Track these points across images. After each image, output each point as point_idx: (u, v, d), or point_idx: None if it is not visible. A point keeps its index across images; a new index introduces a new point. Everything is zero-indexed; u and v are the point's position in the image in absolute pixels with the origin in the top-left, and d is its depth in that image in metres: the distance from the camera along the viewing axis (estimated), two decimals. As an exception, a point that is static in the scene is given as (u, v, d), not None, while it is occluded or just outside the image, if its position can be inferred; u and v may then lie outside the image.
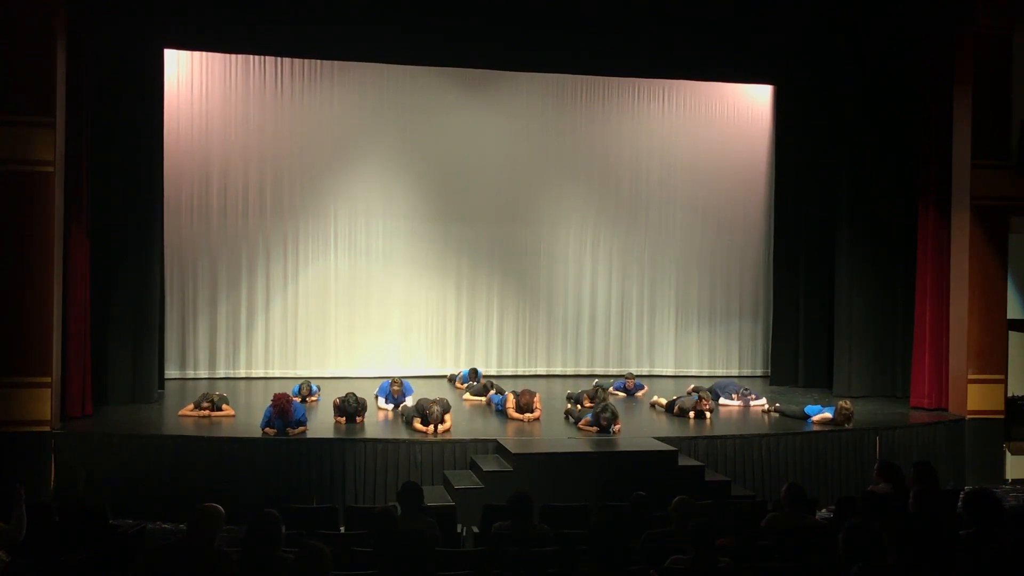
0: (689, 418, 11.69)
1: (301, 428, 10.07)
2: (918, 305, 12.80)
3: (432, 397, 10.74)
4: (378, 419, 11.31)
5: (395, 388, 11.99)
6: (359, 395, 10.93)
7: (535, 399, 11.44)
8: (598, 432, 10.56)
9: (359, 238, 15.52)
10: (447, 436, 10.06)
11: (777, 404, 12.27)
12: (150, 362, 12.37)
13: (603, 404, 10.94)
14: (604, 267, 16.45)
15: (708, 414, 11.70)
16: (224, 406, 11.20)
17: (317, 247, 15.39)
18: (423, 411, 10.33)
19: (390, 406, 11.86)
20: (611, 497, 8.04)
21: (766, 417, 12.01)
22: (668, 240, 16.50)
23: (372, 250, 15.56)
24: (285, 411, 9.98)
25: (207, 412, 11.01)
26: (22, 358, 10.18)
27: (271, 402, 10.10)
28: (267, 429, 10.00)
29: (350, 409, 10.71)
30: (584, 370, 15.91)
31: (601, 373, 15.72)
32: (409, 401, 11.74)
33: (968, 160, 12.06)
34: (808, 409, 11.60)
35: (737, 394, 12.89)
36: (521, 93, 15.81)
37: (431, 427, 10.13)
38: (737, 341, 16.67)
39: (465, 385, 13.72)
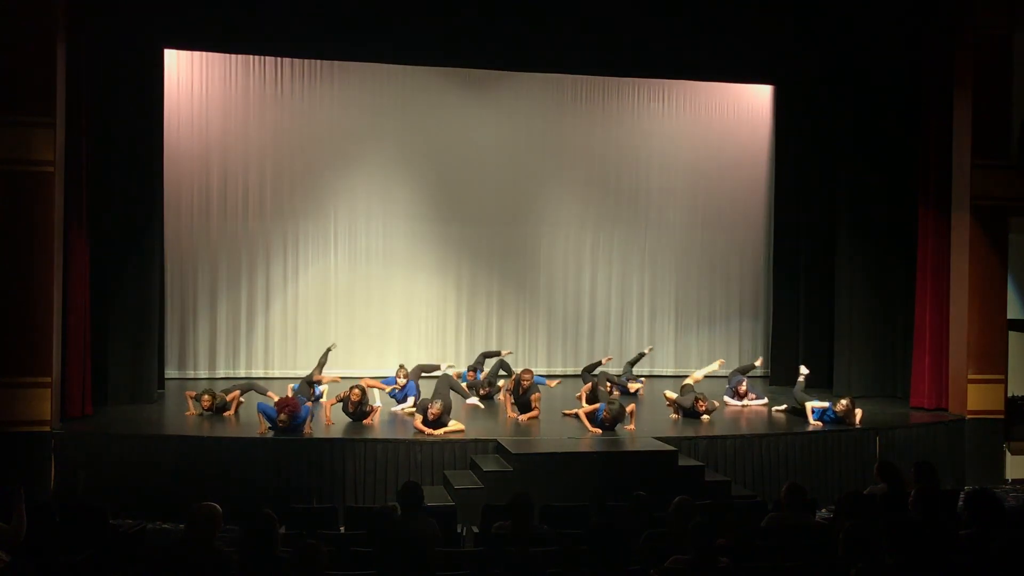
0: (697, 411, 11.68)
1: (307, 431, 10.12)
2: (918, 305, 12.80)
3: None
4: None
5: (401, 372, 12.03)
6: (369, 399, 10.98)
7: (536, 392, 11.50)
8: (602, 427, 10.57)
9: (359, 238, 15.52)
10: (458, 436, 10.06)
11: (785, 405, 12.20)
12: (150, 362, 12.37)
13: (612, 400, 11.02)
14: (604, 267, 16.45)
15: (706, 416, 11.64)
16: (232, 404, 11.30)
17: (317, 247, 15.39)
18: (424, 410, 10.35)
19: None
20: (611, 497, 8.04)
21: (770, 414, 11.99)
22: (668, 240, 16.50)
23: (372, 250, 15.56)
24: (294, 410, 10.01)
25: (209, 404, 11.11)
26: (22, 358, 10.16)
27: (277, 407, 10.12)
28: (260, 415, 10.04)
29: (357, 412, 10.76)
30: (584, 370, 15.92)
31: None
32: (410, 401, 11.74)
33: (968, 160, 12.05)
34: (815, 413, 11.48)
35: (732, 389, 12.91)
36: (521, 93, 15.80)
37: (424, 422, 10.17)
38: (737, 341, 16.67)
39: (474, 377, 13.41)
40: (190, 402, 11.34)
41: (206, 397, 11.21)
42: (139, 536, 7.19)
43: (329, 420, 10.58)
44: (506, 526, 6.41)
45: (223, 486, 9.13)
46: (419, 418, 10.34)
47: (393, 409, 11.66)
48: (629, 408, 10.81)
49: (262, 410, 10.15)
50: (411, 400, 11.76)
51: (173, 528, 8.82)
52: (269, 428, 10.06)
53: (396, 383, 12.04)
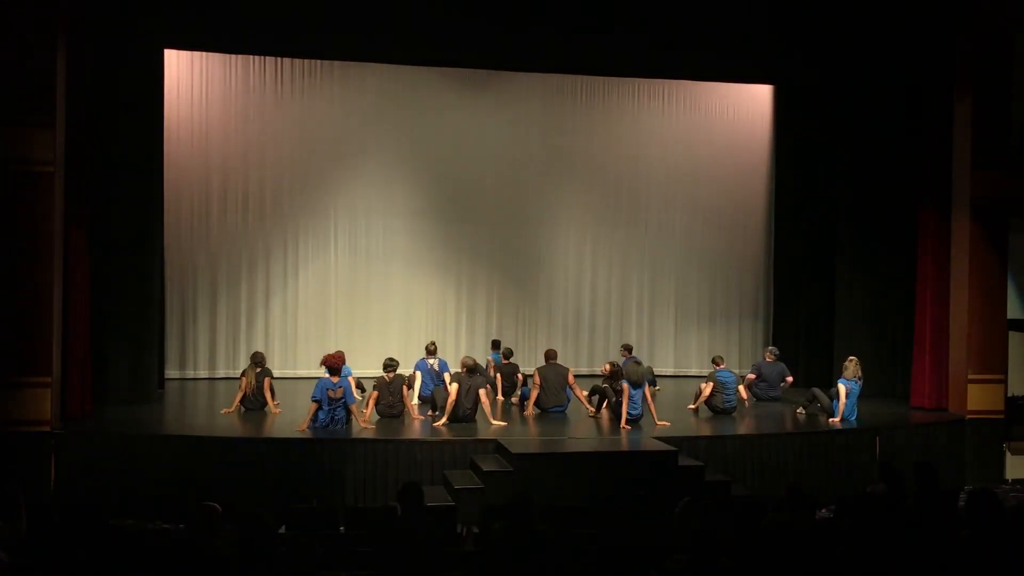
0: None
1: (339, 391, 10.30)
2: (918, 305, 12.79)
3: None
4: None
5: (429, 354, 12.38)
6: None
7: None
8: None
9: (359, 238, 15.53)
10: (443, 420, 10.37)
11: (801, 409, 12.16)
12: (150, 362, 12.37)
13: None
14: (604, 267, 16.46)
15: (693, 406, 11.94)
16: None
17: (317, 246, 15.40)
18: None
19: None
20: (611, 497, 8.03)
21: (794, 414, 12.00)
22: (668, 240, 16.51)
23: (372, 250, 15.57)
24: (336, 366, 10.34)
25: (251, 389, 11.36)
26: (22, 358, 10.15)
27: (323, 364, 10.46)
28: (313, 404, 10.22)
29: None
30: (584, 370, 15.87)
31: (601, 373, 15.69)
32: (418, 381, 12.04)
33: (968, 160, 12.04)
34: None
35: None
36: (521, 93, 15.81)
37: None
38: (737, 341, 16.67)
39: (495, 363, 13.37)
40: (237, 395, 11.44)
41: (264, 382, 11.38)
42: (139, 536, 7.19)
43: (366, 420, 10.61)
44: (506, 526, 6.40)
45: (223, 486, 9.12)
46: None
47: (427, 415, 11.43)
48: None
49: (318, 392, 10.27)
50: (418, 381, 12.01)
51: (173, 528, 8.82)
52: (312, 421, 10.22)
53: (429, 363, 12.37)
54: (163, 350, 13.41)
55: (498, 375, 12.76)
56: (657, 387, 13.93)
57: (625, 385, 10.90)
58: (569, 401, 11.85)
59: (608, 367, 11.80)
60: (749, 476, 10.27)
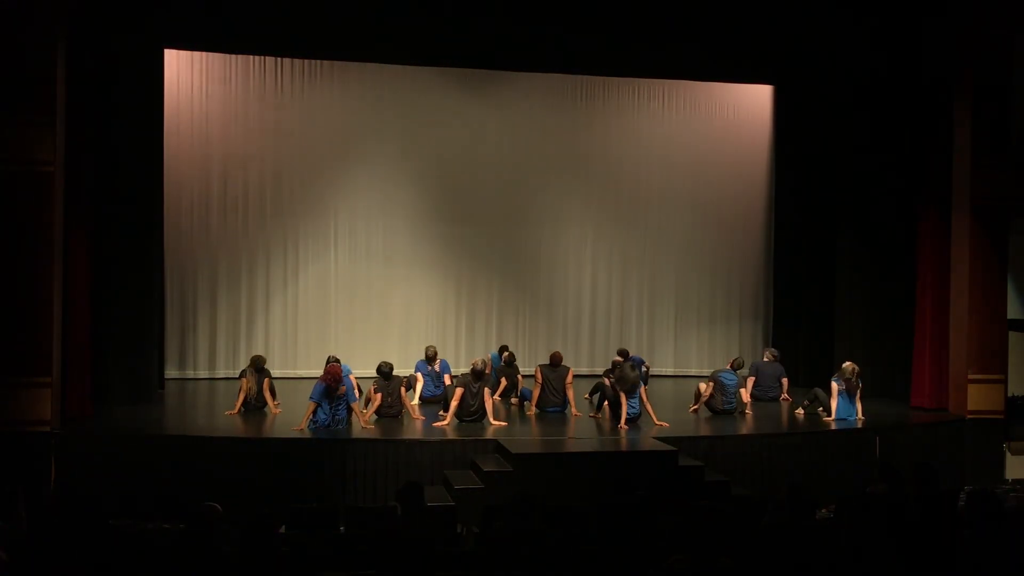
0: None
1: (341, 389, 10.32)
2: (918, 305, 12.79)
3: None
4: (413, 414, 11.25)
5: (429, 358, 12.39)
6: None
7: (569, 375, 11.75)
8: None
9: (359, 238, 15.54)
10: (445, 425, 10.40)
11: (806, 402, 12.13)
12: (150, 362, 12.37)
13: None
14: (604, 267, 16.46)
15: (695, 407, 11.93)
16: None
17: (317, 247, 15.40)
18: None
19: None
20: (611, 497, 8.02)
21: (791, 413, 11.99)
22: (668, 240, 16.51)
23: (372, 250, 15.58)
24: (336, 380, 10.26)
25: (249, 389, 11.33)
26: (22, 358, 10.15)
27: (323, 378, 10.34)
28: (311, 404, 10.20)
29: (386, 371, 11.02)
30: (584, 370, 15.88)
31: (601, 373, 15.70)
32: (419, 385, 12.09)
33: (968, 160, 12.04)
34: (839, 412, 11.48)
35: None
36: (521, 93, 15.81)
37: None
38: (737, 341, 16.67)
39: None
40: (239, 397, 11.39)
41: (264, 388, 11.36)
42: (139, 536, 7.18)
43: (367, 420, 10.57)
44: (506, 526, 6.40)
45: (223, 486, 9.11)
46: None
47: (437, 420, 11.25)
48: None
49: (314, 397, 10.25)
50: (420, 383, 12.04)
51: (173, 528, 8.82)
52: (312, 422, 10.20)
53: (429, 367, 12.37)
54: (163, 350, 13.42)
55: (502, 377, 12.74)
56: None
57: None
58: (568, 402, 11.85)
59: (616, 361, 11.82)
60: (749, 476, 10.27)
